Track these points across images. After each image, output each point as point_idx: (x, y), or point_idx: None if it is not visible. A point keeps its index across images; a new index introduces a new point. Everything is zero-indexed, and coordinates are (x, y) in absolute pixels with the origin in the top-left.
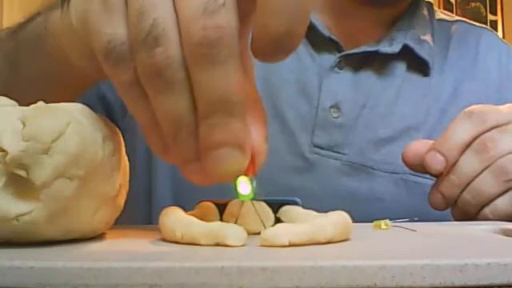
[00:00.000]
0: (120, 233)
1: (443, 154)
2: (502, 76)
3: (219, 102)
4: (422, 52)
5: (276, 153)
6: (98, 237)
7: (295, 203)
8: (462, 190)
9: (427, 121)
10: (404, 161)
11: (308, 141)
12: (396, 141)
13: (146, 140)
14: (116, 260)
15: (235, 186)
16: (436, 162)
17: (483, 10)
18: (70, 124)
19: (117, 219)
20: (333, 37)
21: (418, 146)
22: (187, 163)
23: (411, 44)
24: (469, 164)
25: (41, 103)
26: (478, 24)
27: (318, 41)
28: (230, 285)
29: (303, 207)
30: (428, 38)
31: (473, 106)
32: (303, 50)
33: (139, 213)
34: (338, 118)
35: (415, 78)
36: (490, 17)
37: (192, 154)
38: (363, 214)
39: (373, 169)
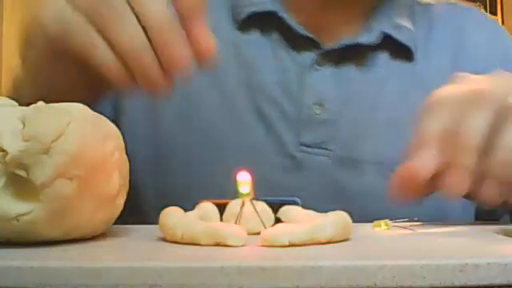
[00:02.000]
0: (120, 233)
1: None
2: (490, 53)
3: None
4: (402, 37)
5: (264, 154)
6: (98, 237)
7: (295, 203)
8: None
9: (413, 108)
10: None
11: (294, 140)
12: (382, 132)
13: (113, 80)
14: (116, 260)
15: (236, 186)
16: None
17: (483, 10)
18: (70, 124)
19: (117, 219)
20: (309, 34)
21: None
22: (157, 82)
23: (389, 31)
24: (473, 122)
25: (41, 103)
26: (463, 3)
27: (295, 40)
28: (229, 285)
29: (303, 207)
30: (406, 22)
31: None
32: (282, 50)
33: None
34: (321, 114)
35: (399, 66)
36: (490, 17)
37: (157, 73)
38: (355, 208)
39: (361, 162)
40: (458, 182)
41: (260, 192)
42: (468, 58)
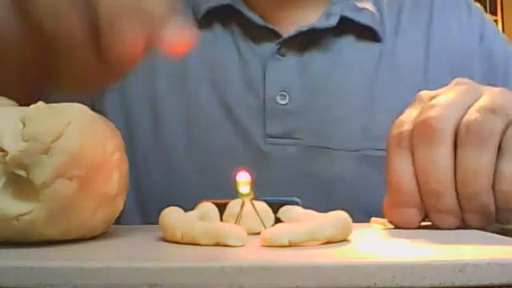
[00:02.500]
0: (120, 233)
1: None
2: (463, 32)
3: None
4: (363, 19)
5: (233, 151)
6: (98, 237)
7: (295, 203)
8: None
9: (384, 89)
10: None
11: (261, 132)
12: (353, 118)
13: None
14: (116, 260)
15: (236, 186)
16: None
17: (483, 9)
18: (70, 124)
19: (117, 219)
20: (268, 25)
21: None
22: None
23: (349, 14)
24: (467, 158)
25: (41, 103)
26: None
27: (255, 32)
28: (229, 285)
29: (303, 207)
30: (368, 5)
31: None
32: (243, 44)
33: None
34: (286, 104)
35: (366, 47)
36: (490, 17)
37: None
38: (328, 196)
39: (333, 149)
40: (443, 224)
41: (230, 190)
42: (440, 37)
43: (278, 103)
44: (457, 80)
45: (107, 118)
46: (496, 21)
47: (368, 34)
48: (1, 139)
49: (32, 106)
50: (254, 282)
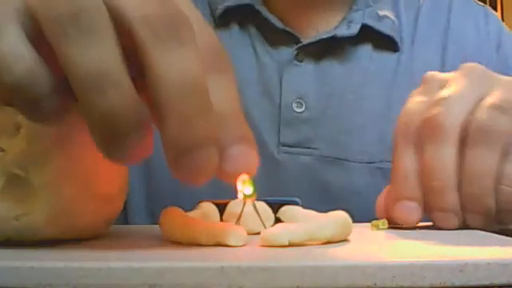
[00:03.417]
0: (120, 233)
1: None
2: (480, 40)
3: None
4: (384, 28)
5: None
6: (97, 237)
7: (295, 203)
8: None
9: (401, 98)
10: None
11: (275, 140)
12: (369, 127)
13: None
14: (116, 260)
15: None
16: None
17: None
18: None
19: (117, 219)
20: (287, 28)
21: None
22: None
23: (370, 22)
24: (474, 158)
25: None
26: None
27: (273, 35)
28: (229, 285)
29: (303, 207)
30: (388, 12)
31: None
32: (260, 47)
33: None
34: (302, 112)
35: (384, 57)
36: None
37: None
38: (342, 208)
39: (347, 161)
40: (444, 223)
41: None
42: (456, 44)
43: (294, 111)
44: (468, 65)
45: None
46: None
47: (387, 42)
48: (1, 139)
49: None
50: (253, 281)
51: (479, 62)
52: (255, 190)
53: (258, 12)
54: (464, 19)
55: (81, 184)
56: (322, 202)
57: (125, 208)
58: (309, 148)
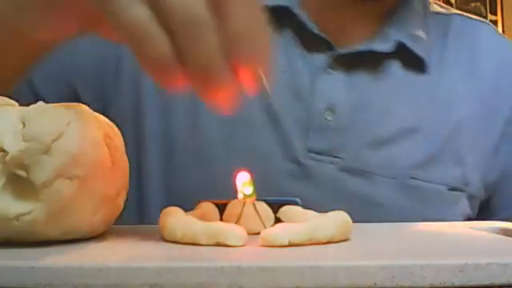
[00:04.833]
0: (120, 233)
1: None
2: (500, 71)
3: None
4: (417, 49)
5: (271, 158)
6: (97, 237)
7: (295, 203)
8: None
9: (426, 120)
10: None
11: (303, 145)
12: (394, 142)
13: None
14: (116, 260)
15: (238, 186)
16: None
17: (483, 9)
18: (70, 124)
19: (117, 219)
20: (322, 34)
21: None
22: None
23: (405, 41)
24: None
25: (41, 103)
26: (475, 17)
27: (308, 40)
28: (229, 285)
29: (303, 207)
30: (422, 33)
31: None
32: (293, 51)
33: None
34: (332, 120)
35: (411, 76)
36: (490, 17)
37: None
38: (362, 219)
39: (371, 174)
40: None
41: (263, 197)
42: (478, 77)
43: (325, 118)
44: None
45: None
46: (496, 21)
47: (415, 61)
48: (1, 139)
49: (32, 106)
50: (253, 281)
51: (495, 93)
52: (255, 190)
53: (295, 15)
54: (490, 49)
55: (81, 184)
56: (344, 211)
57: (140, 209)
58: (335, 157)
